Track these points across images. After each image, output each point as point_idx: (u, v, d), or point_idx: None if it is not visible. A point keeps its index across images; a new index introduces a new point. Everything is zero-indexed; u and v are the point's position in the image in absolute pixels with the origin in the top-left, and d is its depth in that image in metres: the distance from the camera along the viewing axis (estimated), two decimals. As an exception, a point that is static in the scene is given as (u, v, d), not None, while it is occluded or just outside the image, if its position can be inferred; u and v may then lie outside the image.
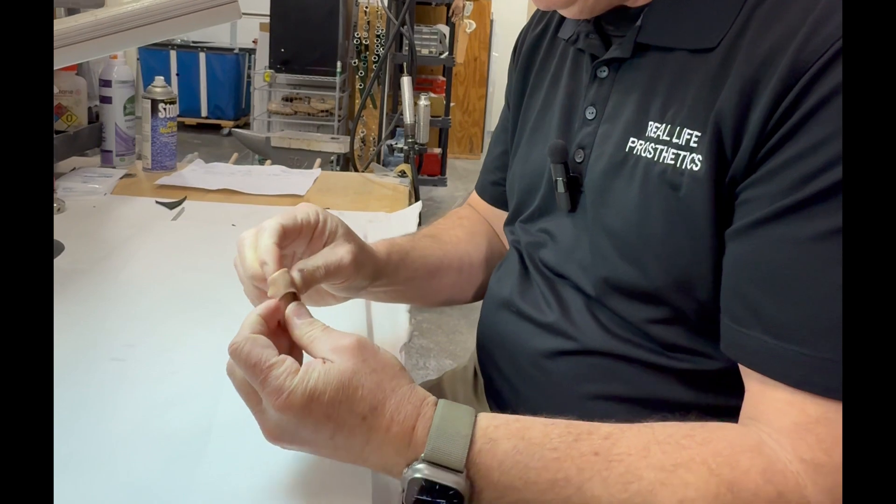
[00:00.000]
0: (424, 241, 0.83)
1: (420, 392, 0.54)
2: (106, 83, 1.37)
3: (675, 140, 0.59)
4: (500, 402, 0.76)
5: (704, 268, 0.58)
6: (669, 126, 0.60)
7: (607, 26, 0.68)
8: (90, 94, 1.41)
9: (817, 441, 0.49)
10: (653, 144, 0.61)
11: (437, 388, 0.93)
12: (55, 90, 1.32)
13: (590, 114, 0.68)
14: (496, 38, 5.75)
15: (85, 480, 0.55)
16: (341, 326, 0.81)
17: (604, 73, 0.67)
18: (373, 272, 0.70)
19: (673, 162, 0.59)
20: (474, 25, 4.61)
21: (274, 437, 0.51)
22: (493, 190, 0.89)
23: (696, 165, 0.57)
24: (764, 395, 0.53)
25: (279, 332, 0.55)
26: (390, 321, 0.86)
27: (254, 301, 0.62)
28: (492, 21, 5.71)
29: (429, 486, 0.49)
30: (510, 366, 0.73)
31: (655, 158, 0.60)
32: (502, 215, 0.84)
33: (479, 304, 0.82)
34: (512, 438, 0.52)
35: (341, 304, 0.73)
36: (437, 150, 4.36)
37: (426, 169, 4.27)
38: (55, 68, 1.24)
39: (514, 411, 0.73)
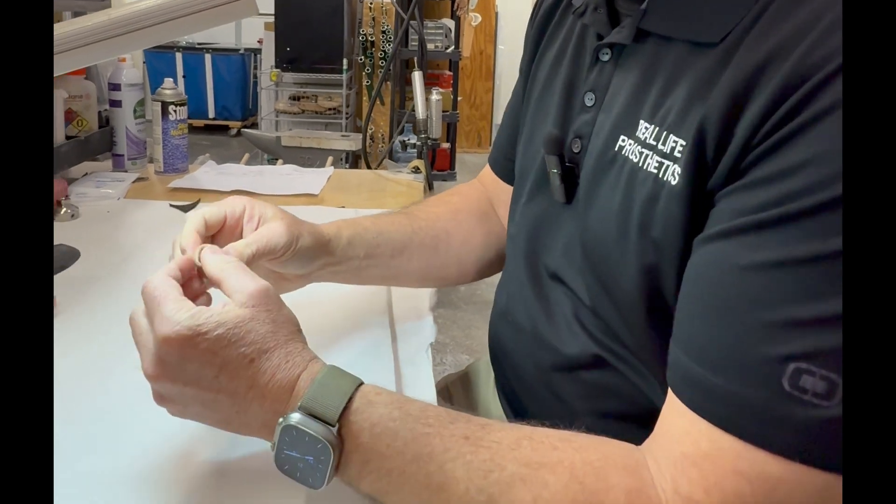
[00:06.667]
0: (392, 217, 0.79)
1: (311, 352, 0.53)
2: (115, 87, 1.36)
3: (660, 147, 0.55)
4: (514, 405, 0.75)
5: (672, 284, 0.54)
6: (657, 129, 0.55)
7: (620, 1, 0.62)
8: (100, 99, 1.40)
9: (700, 477, 0.46)
10: (640, 147, 0.57)
11: (458, 383, 0.92)
12: (65, 95, 1.31)
13: (589, 100, 0.64)
14: (501, 30, 5.72)
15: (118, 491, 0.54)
16: (365, 327, 0.80)
17: (606, 56, 0.63)
18: (316, 245, 0.69)
19: (656, 171, 0.54)
20: (479, 18, 4.59)
21: (155, 375, 0.51)
22: (506, 165, 0.84)
23: (675, 179, 0.53)
24: (668, 419, 0.50)
25: (193, 285, 0.58)
26: (413, 321, 0.85)
27: None
28: (497, 14, 5.68)
29: (299, 437, 0.48)
30: (515, 378, 0.72)
31: (641, 164, 0.56)
32: (510, 191, 0.79)
33: (492, 299, 0.80)
34: (389, 406, 0.51)
35: (358, 289, 0.71)
36: (446, 145, 4.35)
37: (436, 164, 4.26)
38: (68, 71, 1.24)
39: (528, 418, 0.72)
